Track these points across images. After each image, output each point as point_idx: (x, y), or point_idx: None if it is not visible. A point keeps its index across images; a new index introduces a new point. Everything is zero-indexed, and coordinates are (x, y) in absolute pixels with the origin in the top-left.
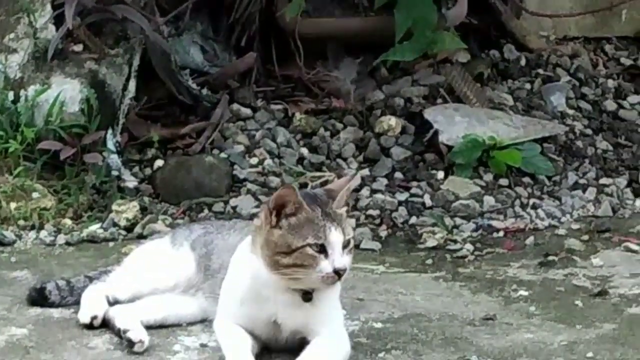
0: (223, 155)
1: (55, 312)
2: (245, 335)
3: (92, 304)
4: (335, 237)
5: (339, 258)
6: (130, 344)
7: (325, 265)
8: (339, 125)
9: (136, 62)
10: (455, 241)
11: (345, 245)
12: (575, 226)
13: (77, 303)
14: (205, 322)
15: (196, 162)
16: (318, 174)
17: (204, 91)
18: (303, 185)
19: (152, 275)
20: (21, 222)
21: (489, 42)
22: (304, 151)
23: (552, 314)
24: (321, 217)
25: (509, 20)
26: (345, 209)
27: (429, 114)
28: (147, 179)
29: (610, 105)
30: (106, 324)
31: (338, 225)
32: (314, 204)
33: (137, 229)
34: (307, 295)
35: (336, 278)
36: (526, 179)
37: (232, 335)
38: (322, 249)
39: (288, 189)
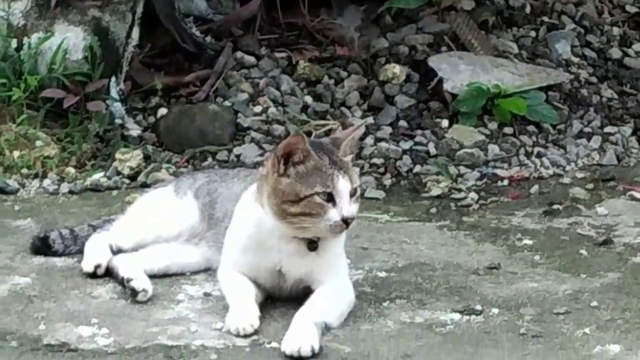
0: (227, 103)
1: (59, 261)
2: (249, 284)
3: (95, 253)
4: (343, 186)
5: (347, 206)
6: (134, 292)
7: (334, 214)
8: (343, 73)
9: (139, 9)
10: (459, 190)
11: (352, 194)
12: (580, 175)
13: (80, 252)
14: (208, 271)
15: (200, 111)
16: (322, 122)
17: (208, 39)
18: (307, 134)
19: (155, 223)
20: (24, 171)
21: None
22: (308, 99)
23: (556, 263)
24: (329, 166)
25: None
26: (350, 157)
27: (434, 62)
28: (150, 127)
29: (615, 53)
30: (109, 273)
31: (345, 173)
32: (321, 152)
33: (141, 178)
34: (312, 244)
35: (344, 226)
36: (531, 128)
37: (235, 284)
38: (330, 198)
39: (297, 137)
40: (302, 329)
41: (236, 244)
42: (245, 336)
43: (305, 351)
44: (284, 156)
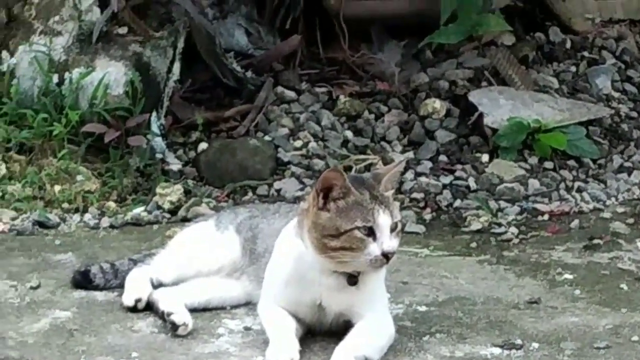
0: (267, 138)
1: (99, 295)
2: (289, 318)
3: (136, 287)
4: (383, 220)
5: (388, 241)
6: (174, 326)
7: (374, 248)
8: (384, 108)
9: (180, 44)
10: (499, 224)
11: (393, 228)
12: (620, 209)
13: (121, 286)
14: (249, 305)
15: (240, 145)
16: (362, 156)
17: (248, 74)
18: (347, 169)
19: (196, 258)
20: (65, 205)
21: (534, 24)
22: (348, 134)
23: (597, 298)
24: (369, 200)
25: (554, 2)
26: (391, 192)
27: (474, 96)
28: (191, 161)
29: None
30: (150, 307)
31: (386, 207)
32: (362, 186)
33: (181, 212)
34: (352, 279)
35: (384, 261)
36: (571, 162)
37: (276, 318)
38: (371, 232)
39: (334, 172)
40: None
41: (277, 278)
42: None
43: None
44: (323, 190)
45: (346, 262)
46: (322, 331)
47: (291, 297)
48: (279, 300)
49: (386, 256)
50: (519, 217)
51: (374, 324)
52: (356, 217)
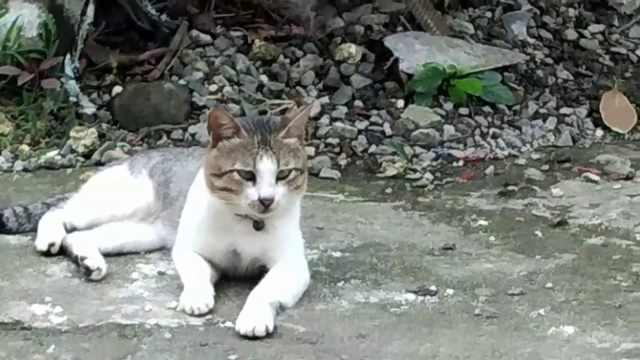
0: (182, 82)
1: (12, 239)
2: (203, 264)
3: (49, 231)
4: (265, 166)
5: (266, 187)
6: (88, 271)
7: (252, 193)
8: (299, 53)
9: None
10: (414, 170)
11: (283, 176)
12: (535, 156)
13: (34, 230)
14: (163, 250)
15: (155, 89)
16: (277, 101)
17: (163, 17)
18: (262, 113)
19: (110, 202)
20: None
21: None
22: (264, 78)
23: (511, 244)
24: (256, 144)
25: None
26: (295, 139)
27: (389, 41)
28: (105, 105)
29: (571, 34)
30: (63, 251)
31: (274, 154)
32: (258, 130)
33: (95, 156)
34: (257, 224)
35: (262, 207)
36: (486, 108)
37: (190, 264)
38: (252, 176)
39: (218, 109)
40: (257, 309)
41: (190, 224)
42: (200, 315)
43: (260, 331)
44: (211, 128)
45: (230, 203)
46: (237, 276)
47: (205, 243)
48: (194, 246)
49: (263, 202)
50: (434, 163)
51: (288, 269)
52: (237, 159)
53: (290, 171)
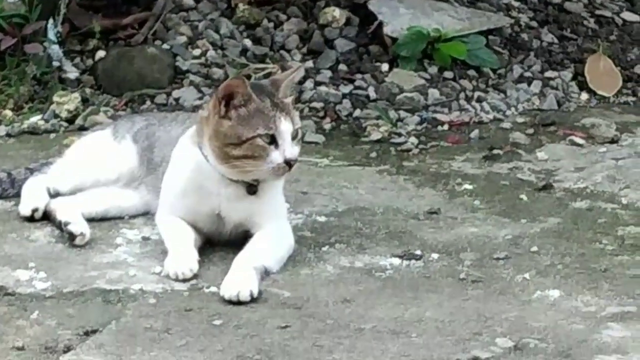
0: (165, 46)
1: None
2: (187, 228)
3: (33, 196)
4: (285, 127)
5: (290, 148)
6: (72, 236)
7: (276, 156)
8: (283, 17)
9: None
10: (399, 134)
11: (294, 136)
12: (520, 119)
13: (17, 195)
14: (147, 215)
15: (138, 53)
16: (261, 65)
17: None
18: (247, 77)
19: (93, 167)
20: None
21: None
22: (247, 42)
23: (496, 208)
24: (271, 107)
25: None
26: (291, 99)
27: (374, 5)
28: (88, 70)
29: None
30: (47, 217)
31: (287, 114)
32: (262, 94)
33: (79, 121)
34: (251, 188)
35: (287, 168)
36: (471, 72)
37: (174, 228)
38: (273, 140)
39: (238, 80)
40: (241, 274)
41: (174, 188)
42: (184, 280)
43: (244, 296)
44: (225, 98)
45: (249, 171)
46: (221, 241)
47: (189, 207)
48: (177, 211)
49: (288, 163)
50: (418, 127)
51: (273, 234)
52: (258, 124)
53: (298, 130)
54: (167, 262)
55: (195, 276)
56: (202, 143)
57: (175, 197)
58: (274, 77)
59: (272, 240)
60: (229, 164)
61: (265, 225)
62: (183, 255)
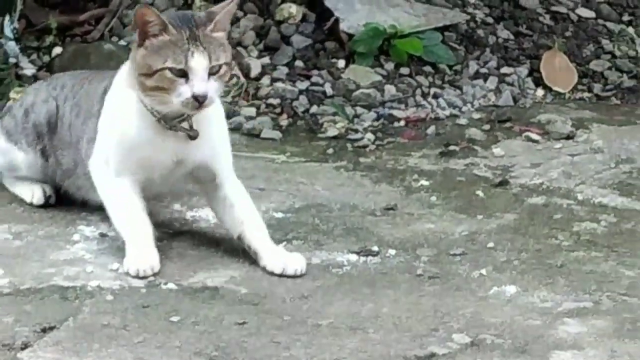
0: (122, 42)
1: None
2: (145, 218)
3: None
4: (197, 62)
5: (199, 83)
6: None
7: (185, 90)
8: (239, 13)
9: None
10: (356, 130)
11: (214, 72)
12: (476, 115)
13: None
14: (104, 211)
15: (95, 50)
16: None
17: None
18: None
19: None
20: None
21: None
22: None
23: (453, 204)
24: (186, 41)
25: None
26: (223, 34)
27: (330, 1)
28: (45, 66)
29: None
30: None
31: (205, 49)
32: (185, 25)
33: None
34: (191, 134)
35: (196, 104)
36: (427, 68)
37: (130, 216)
38: (183, 73)
39: (144, 6)
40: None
41: (118, 144)
42: (144, 277)
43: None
44: (138, 26)
45: (161, 102)
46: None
47: (143, 159)
48: (125, 169)
49: (196, 99)
50: (375, 123)
51: (237, 187)
52: (167, 56)
53: (220, 66)
54: (127, 259)
55: (154, 274)
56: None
57: (121, 154)
58: (210, 10)
59: (252, 208)
60: (146, 95)
61: (220, 173)
62: (144, 252)
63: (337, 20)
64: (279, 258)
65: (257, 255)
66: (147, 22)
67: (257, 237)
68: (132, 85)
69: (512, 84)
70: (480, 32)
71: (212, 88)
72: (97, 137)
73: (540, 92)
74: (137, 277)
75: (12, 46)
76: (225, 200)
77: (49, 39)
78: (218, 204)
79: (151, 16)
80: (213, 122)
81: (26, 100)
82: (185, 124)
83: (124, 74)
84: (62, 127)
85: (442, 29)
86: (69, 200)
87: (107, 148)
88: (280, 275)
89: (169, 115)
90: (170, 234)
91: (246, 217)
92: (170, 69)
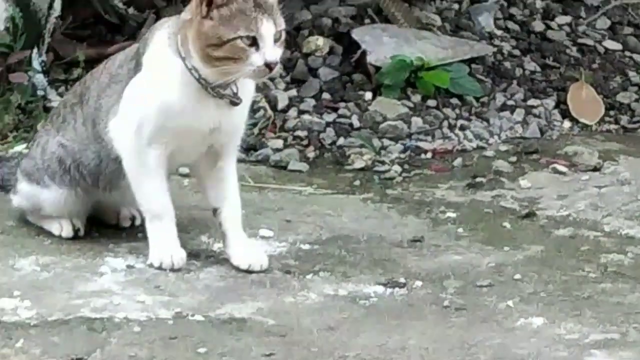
0: None
1: None
2: (169, 202)
3: None
4: (267, 29)
5: (271, 51)
6: None
7: (257, 58)
8: None
9: None
10: (383, 162)
11: (277, 38)
12: (503, 147)
13: None
14: (132, 243)
15: None
16: None
17: (130, 10)
18: None
19: None
20: None
21: None
22: None
23: (479, 236)
24: (253, 8)
25: None
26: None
27: (357, 34)
28: None
29: (538, 26)
30: None
31: (270, 16)
32: None
33: None
34: (234, 100)
35: (267, 71)
36: (454, 100)
37: (158, 197)
38: (254, 42)
39: None
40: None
41: (159, 112)
42: (175, 270)
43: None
44: None
45: (230, 72)
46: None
47: (177, 129)
48: (160, 137)
49: (269, 66)
50: (402, 155)
51: (235, 178)
52: (239, 25)
53: (281, 32)
54: (153, 252)
55: (179, 305)
56: (187, 48)
57: (157, 119)
58: None
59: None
60: (212, 66)
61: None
62: (171, 244)
63: (364, 53)
64: (245, 254)
65: (224, 238)
66: None
67: (232, 219)
68: (181, 53)
69: (539, 116)
70: (507, 64)
71: (279, 54)
72: (125, 103)
73: (567, 124)
74: (166, 268)
75: (40, 79)
76: (221, 171)
77: (77, 72)
78: (211, 171)
79: None
80: (249, 90)
81: (41, 139)
82: (228, 91)
83: (166, 40)
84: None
85: (469, 61)
86: (98, 229)
87: (143, 115)
88: (246, 271)
89: (215, 83)
90: (198, 265)
91: (229, 196)
92: (243, 38)
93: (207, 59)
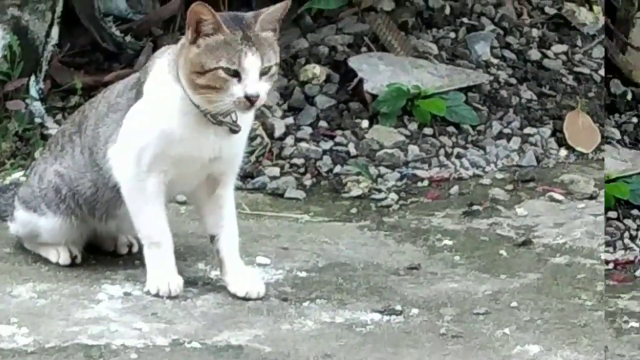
0: None
1: None
2: (167, 229)
3: None
4: (250, 63)
5: (252, 84)
6: None
7: (237, 90)
8: None
9: (59, 8)
10: (379, 190)
11: (265, 72)
12: (499, 176)
13: None
14: (128, 270)
15: None
16: None
17: (128, 38)
18: None
19: None
20: None
21: None
22: None
23: (476, 264)
24: (240, 41)
25: None
26: (271, 34)
27: (354, 62)
28: None
29: (534, 54)
30: None
31: (257, 50)
32: (237, 26)
33: None
34: (234, 128)
35: (248, 104)
36: (450, 128)
37: (155, 222)
38: (236, 74)
39: (202, 5)
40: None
41: (159, 139)
42: (172, 298)
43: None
44: (192, 24)
45: (212, 101)
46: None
47: (177, 157)
48: (160, 165)
49: (249, 99)
50: (398, 183)
51: (233, 206)
52: (222, 56)
53: (271, 67)
54: (151, 279)
55: (176, 332)
56: (181, 74)
57: (157, 147)
58: (257, 11)
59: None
60: (197, 92)
61: (232, 172)
62: (169, 270)
63: (361, 81)
64: (242, 281)
65: (222, 265)
66: (202, 21)
67: (230, 246)
68: (178, 79)
69: (535, 144)
70: (503, 92)
71: (263, 88)
72: (125, 130)
73: (563, 152)
74: (162, 295)
75: (37, 106)
76: (219, 199)
77: (75, 100)
78: (209, 198)
79: (207, 15)
80: (249, 117)
81: (39, 167)
82: (228, 119)
83: (166, 67)
84: (76, 152)
85: (465, 90)
86: (95, 256)
87: (143, 142)
88: (243, 299)
89: (213, 111)
90: (195, 292)
91: (227, 223)
92: (224, 69)
93: (193, 85)
